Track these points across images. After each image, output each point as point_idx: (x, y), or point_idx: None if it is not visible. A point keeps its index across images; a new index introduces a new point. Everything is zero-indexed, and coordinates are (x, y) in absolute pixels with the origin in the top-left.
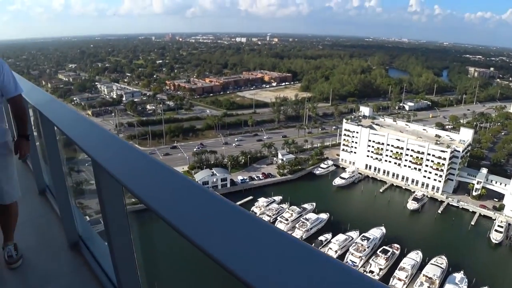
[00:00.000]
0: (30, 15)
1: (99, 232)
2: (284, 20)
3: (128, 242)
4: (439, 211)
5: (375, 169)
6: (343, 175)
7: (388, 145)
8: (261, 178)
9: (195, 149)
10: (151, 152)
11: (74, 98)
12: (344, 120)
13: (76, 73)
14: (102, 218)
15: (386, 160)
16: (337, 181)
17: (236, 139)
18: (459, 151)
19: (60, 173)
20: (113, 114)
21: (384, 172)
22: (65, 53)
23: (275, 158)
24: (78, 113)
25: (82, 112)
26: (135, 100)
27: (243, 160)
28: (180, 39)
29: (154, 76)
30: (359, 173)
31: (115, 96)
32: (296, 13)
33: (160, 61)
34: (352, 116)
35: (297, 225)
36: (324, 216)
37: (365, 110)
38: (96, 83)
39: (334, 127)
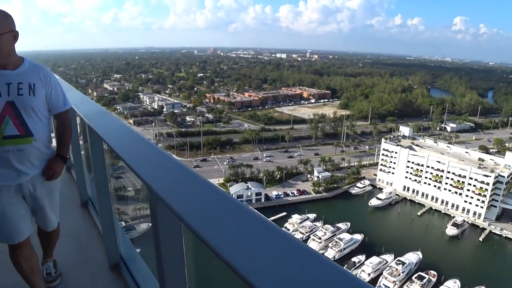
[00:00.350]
0: (82, 28)
1: (140, 252)
2: (324, 37)
3: (181, 279)
4: (480, 239)
5: (413, 191)
6: (379, 195)
7: (428, 167)
8: (295, 194)
9: (225, 163)
10: (195, 165)
11: (118, 107)
12: (383, 140)
13: (120, 83)
14: (156, 253)
15: (425, 183)
16: (373, 202)
17: (265, 155)
18: (504, 176)
19: (105, 188)
20: (153, 124)
21: (422, 194)
22: (111, 63)
23: (310, 175)
24: (131, 129)
25: (124, 120)
26: (175, 111)
27: (278, 176)
28: (221, 54)
29: (195, 88)
30: (396, 194)
31: (156, 107)
32: (337, 30)
33: (201, 74)
34: (391, 136)
35: (330, 245)
36: (358, 236)
37: (405, 130)
38: (139, 93)
39: (372, 146)
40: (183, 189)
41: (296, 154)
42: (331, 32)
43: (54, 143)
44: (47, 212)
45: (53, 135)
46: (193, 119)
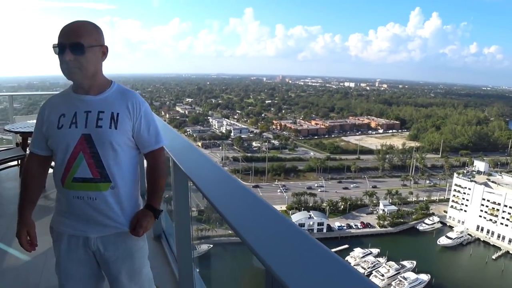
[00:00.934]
0: (159, 54)
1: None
2: (394, 66)
3: None
4: None
5: (488, 231)
6: (450, 234)
7: (506, 206)
8: (359, 227)
9: (278, 191)
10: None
11: (188, 130)
12: (455, 174)
13: (191, 106)
14: None
15: (502, 223)
16: (443, 241)
17: (316, 185)
18: None
19: (186, 224)
20: (220, 147)
21: (498, 236)
22: (184, 88)
23: (376, 208)
24: (220, 168)
25: (193, 142)
26: (242, 136)
27: (342, 206)
28: (290, 81)
29: (262, 115)
30: (468, 234)
31: (224, 131)
32: (407, 59)
33: (269, 101)
34: (465, 171)
35: (393, 283)
36: (424, 277)
37: (479, 165)
38: (209, 117)
39: (443, 180)
40: (275, 238)
41: (352, 186)
42: (401, 61)
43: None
44: (124, 286)
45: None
46: (259, 144)
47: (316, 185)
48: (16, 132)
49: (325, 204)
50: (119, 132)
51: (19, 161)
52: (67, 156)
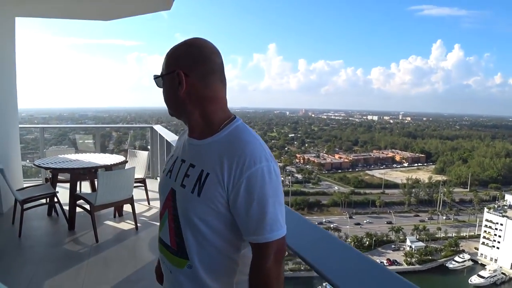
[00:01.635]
0: None
1: None
2: (417, 98)
3: None
4: None
5: None
6: (482, 273)
7: None
8: (385, 264)
9: None
10: None
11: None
12: (486, 209)
13: None
14: None
15: None
16: (475, 280)
17: (354, 219)
18: None
19: None
20: None
21: None
22: None
23: (402, 244)
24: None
25: None
26: None
27: (367, 242)
28: (313, 115)
29: (286, 148)
30: (502, 273)
31: None
32: (431, 91)
33: (292, 135)
34: (495, 205)
35: None
36: None
37: (511, 199)
38: None
39: (472, 215)
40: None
41: (365, 221)
42: (424, 94)
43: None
44: None
45: None
46: (282, 178)
47: (340, 219)
48: (46, 168)
49: (349, 240)
50: (202, 201)
51: (48, 199)
52: (160, 208)
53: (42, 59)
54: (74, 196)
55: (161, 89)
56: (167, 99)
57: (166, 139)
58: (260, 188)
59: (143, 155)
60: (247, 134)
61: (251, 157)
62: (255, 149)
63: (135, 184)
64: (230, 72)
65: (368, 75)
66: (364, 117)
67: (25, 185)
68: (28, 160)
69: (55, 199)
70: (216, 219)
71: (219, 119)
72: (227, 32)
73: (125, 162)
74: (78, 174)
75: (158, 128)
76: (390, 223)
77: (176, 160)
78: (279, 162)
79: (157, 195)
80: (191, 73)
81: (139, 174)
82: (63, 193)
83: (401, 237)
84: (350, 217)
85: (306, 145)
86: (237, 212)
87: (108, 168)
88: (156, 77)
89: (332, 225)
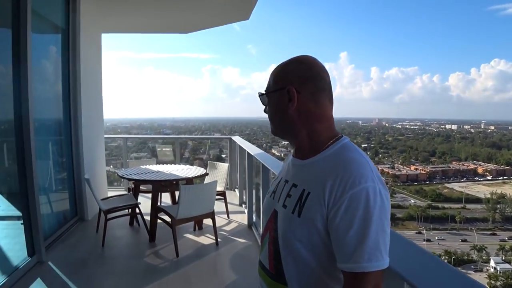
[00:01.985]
0: (257, 98)
1: None
2: (502, 105)
3: None
4: None
5: None
6: None
7: None
8: None
9: None
10: None
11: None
12: None
13: (287, 149)
14: None
15: None
16: None
17: (431, 234)
18: None
19: None
20: None
21: None
22: None
23: (486, 265)
24: None
25: None
26: None
27: (446, 261)
28: (386, 124)
29: None
30: None
31: None
32: None
33: (365, 145)
34: None
35: None
36: None
37: None
38: None
39: None
40: None
41: (437, 237)
42: (510, 99)
43: None
44: None
45: None
46: None
47: (431, 234)
48: (130, 179)
49: None
50: (302, 222)
51: (129, 210)
52: (262, 229)
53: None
54: (156, 208)
55: (264, 107)
56: (273, 117)
57: (247, 151)
58: (362, 210)
59: (223, 167)
60: (354, 152)
61: (356, 176)
62: (361, 168)
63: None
64: None
65: (446, 81)
66: (442, 126)
67: (109, 194)
68: (111, 166)
69: (137, 210)
70: (316, 242)
71: (325, 138)
72: (297, 42)
73: (206, 174)
74: (159, 186)
75: (238, 139)
76: (465, 241)
77: (280, 181)
78: None
79: (236, 208)
80: (302, 90)
81: (219, 187)
82: (144, 203)
83: (484, 257)
84: (419, 232)
85: (380, 155)
86: (334, 234)
87: (189, 181)
88: (261, 94)
89: (421, 241)
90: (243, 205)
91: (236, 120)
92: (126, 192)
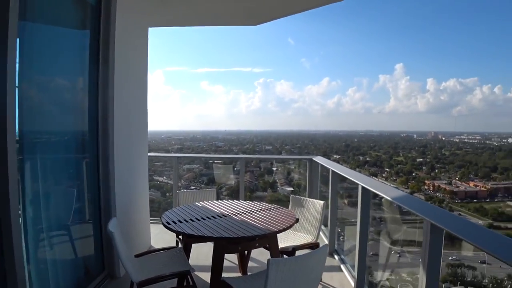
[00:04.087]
0: (308, 111)
1: None
2: None
3: None
4: None
5: None
6: None
7: None
8: None
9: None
10: None
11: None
12: None
13: (339, 163)
14: None
15: None
16: None
17: (455, 256)
18: None
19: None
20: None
21: None
22: (331, 144)
23: None
24: None
25: (339, 199)
26: None
27: (509, 286)
28: (443, 138)
29: (413, 174)
30: None
31: None
32: None
33: (421, 159)
34: None
35: None
36: None
37: None
38: None
39: None
40: None
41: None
42: None
43: None
44: None
45: None
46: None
47: (473, 255)
48: (178, 233)
49: (486, 281)
50: None
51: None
52: None
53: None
54: (219, 283)
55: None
56: None
57: (341, 174)
58: None
59: (315, 206)
60: None
61: None
62: None
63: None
64: (355, 95)
65: (509, 92)
66: (503, 140)
67: (152, 229)
68: (164, 177)
69: (190, 279)
70: None
71: None
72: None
73: (296, 221)
74: (225, 245)
75: (322, 160)
76: None
77: None
78: (405, 189)
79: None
80: None
81: (308, 235)
82: (201, 260)
83: None
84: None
85: (436, 170)
86: None
87: (271, 236)
88: None
89: (480, 262)
90: (336, 257)
91: (288, 133)
92: (174, 242)
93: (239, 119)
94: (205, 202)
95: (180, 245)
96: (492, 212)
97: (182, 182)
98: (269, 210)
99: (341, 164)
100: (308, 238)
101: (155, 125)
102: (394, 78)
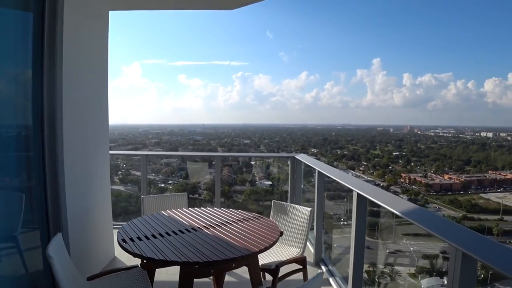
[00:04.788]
0: (286, 105)
1: None
2: None
3: None
4: None
5: None
6: None
7: None
8: None
9: (407, 252)
10: None
11: (311, 180)
12: None
13: (317, 157)
14: None
15: None
16: None
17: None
18: None
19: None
20: (345, 199)
21: None
22: (309, 138)
23: None
24: None
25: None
26: None
27: (482, 276)
28: (419, 132)
29: (390, 167)
30: None
31: None
32: None
33: (397, 153)
34: None
35: None
36: None
37: None
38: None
39: None
40: None
41: None
42: None
43: None
44: None
45: None
46: None
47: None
48: (140, 257)
49: None
50: None
51: None
52: None
53: (160, 80)
54: None
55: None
56: None
57: (325, 174)
58: None
59: (301, 213)
60: None
61: None
62: None
63: (287, 271)
64: (333, 89)
65: (481, 87)
66: (476, 134)
67: (116, 227)
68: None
69: None
70: None
71: None
72: (330, 49)
73: (280, 235)
74: (194, 270)
75: (304, 158)
76: None
77: None
78: (382, 182)
79: (311, 271)
80: None
81: (294, 248)
82: (167, 276)
83: None
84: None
85: (412, 164)
86: None
87: (249, 258)
88: None
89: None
90: (323, 266)
91: (266, 127)
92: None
93: (217, 113)
94: (173, 210)
95: None
96: (466, 204)
97: (160, 176)
98: (248, 221)
99: (319, 158)
100: (293, 251)
101: (132, 119)
102: (371, 73)
